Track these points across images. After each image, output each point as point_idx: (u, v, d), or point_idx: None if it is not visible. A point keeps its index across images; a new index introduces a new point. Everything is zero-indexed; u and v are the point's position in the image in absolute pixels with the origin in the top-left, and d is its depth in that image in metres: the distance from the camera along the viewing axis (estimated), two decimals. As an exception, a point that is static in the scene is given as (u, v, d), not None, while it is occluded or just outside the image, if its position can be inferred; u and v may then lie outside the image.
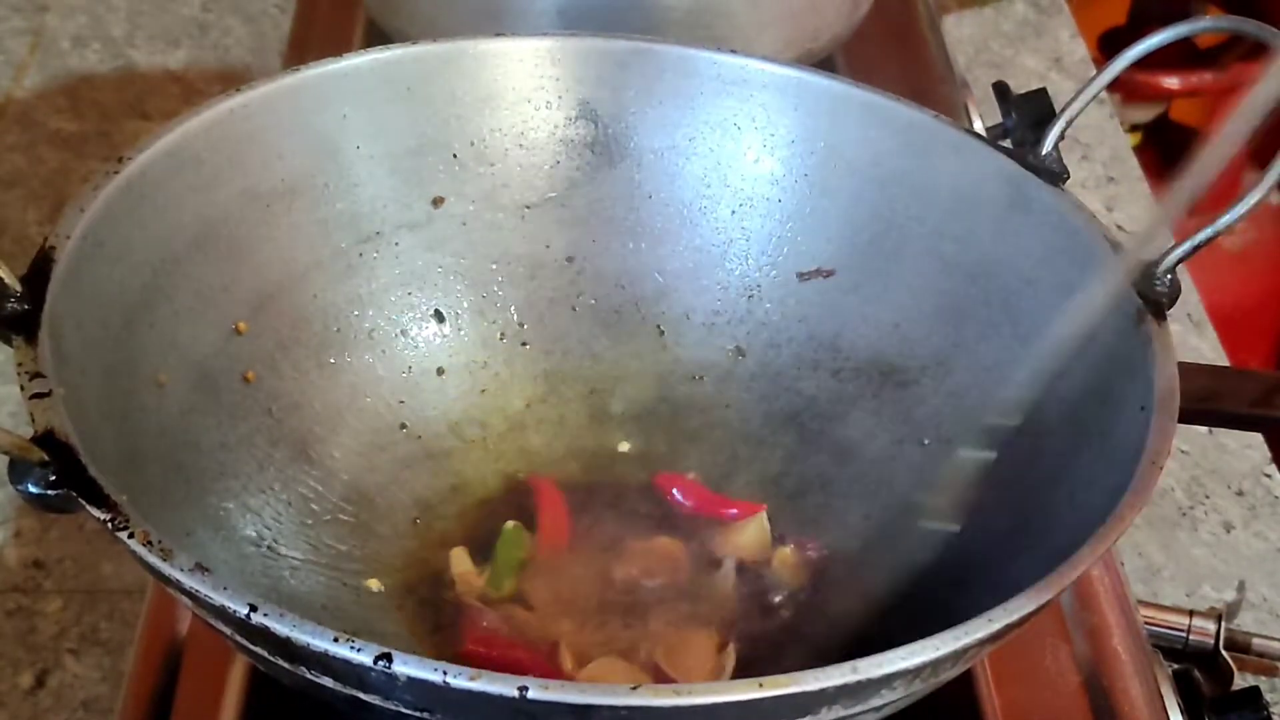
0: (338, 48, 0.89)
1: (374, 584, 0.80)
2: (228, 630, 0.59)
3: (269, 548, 0.77)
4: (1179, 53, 2.08)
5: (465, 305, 0.92)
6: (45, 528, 1.06)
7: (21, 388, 0.63)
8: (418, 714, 0.56)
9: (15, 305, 0.66)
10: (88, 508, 0.59)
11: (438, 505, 0.86)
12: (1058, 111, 0.86)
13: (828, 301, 0.90)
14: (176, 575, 0.56)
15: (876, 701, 0.58)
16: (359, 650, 0.54)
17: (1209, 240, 0.76)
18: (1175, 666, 0.86)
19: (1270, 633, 0.96)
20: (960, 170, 0.86)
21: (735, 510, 0.85)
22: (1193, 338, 1.26)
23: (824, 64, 1.15)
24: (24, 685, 0.97)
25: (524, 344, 0.93)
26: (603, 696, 0.53)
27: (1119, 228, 1.35)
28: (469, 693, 0.53)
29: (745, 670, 0.76)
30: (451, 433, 0.89)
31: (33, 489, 0.59)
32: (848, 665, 0.55)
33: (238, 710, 0.76)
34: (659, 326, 0.93)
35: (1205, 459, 1.15)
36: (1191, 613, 0.94)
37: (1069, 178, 0.84)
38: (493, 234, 0.92)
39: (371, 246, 0.89)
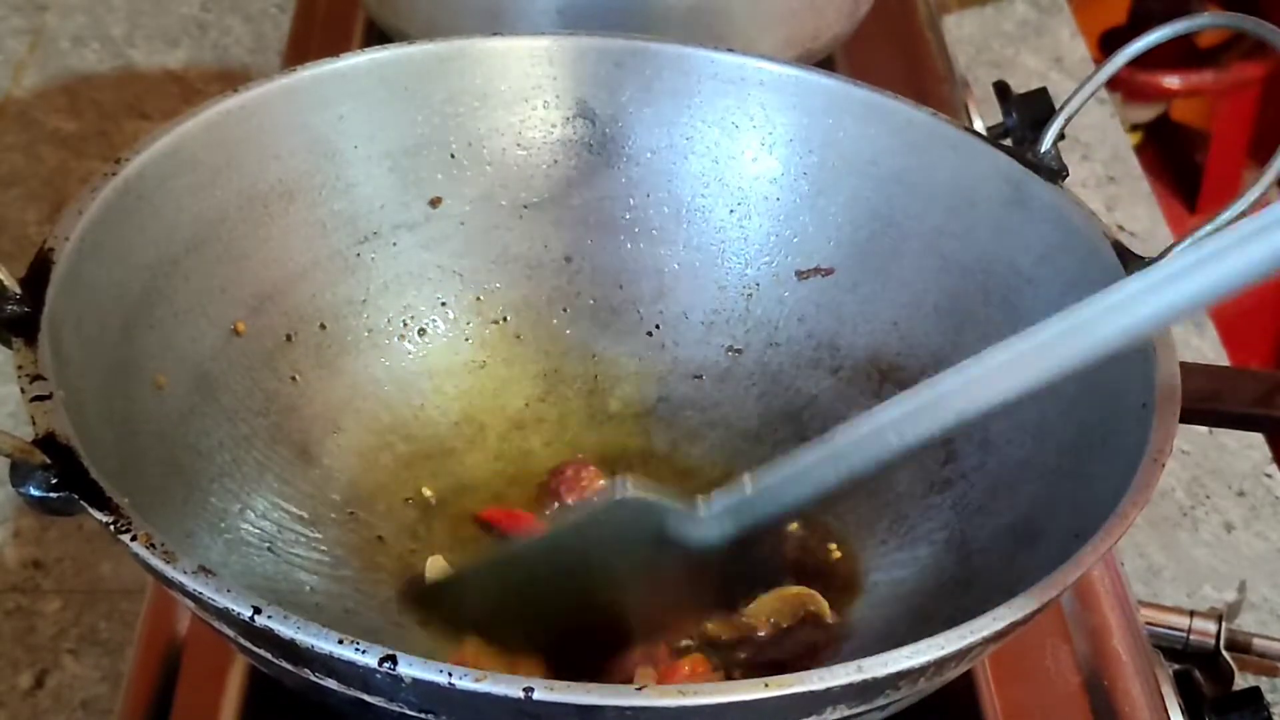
0: (337, 47, 0.89)
1: (375, 585, 0.80)
2: (231, 632, 0.59)
3: (269, 549, 0.77)
4: (1179, 52, 2.08)
5: (463, 305, 0.92)
6: (44, 528, 1.06)
7: (22, 390, 0.62)
8: (421, 715, 0.56)
9: (15, 308, 0.66)
10: (90, 510, 0.59)
11: (437, 505, 0.85)
12: (1057, 109, 0.86)
13: (827, 300, 0.90)
14: (180, 578, 0.56)
15: (881, 701, 0.58)
16: (364, 652, 0.54)
17: (1208, 237, 0.76)
18: (1176, 667, 0.86)
19: (1271, 633, 0.97)
20: (959, 168, 0.86)
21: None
22: (1193, 338, 1.26)
23: (824, 64, 1.15)
24: (23, 685, 0.97)
25: (522, 344, 0.93)
26: (607, 697, 0.53)
27: (1120, 227, 1.35)
28: (474, 694, 0.53)
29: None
30: (451, 433, 0.89)
31: (34, 492, 0.59)
32: (852, 665, 0.55)
33: (237, 711, 0.76)
34: (657, 326, 0.93)
35: (1206, 459, 1.15)
36: (1192, 613, 0.94)
37: (1068, 175, 0.84)
38: (490, 234, 0.92)
39: (369, 247, 0.89)
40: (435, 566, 0.81)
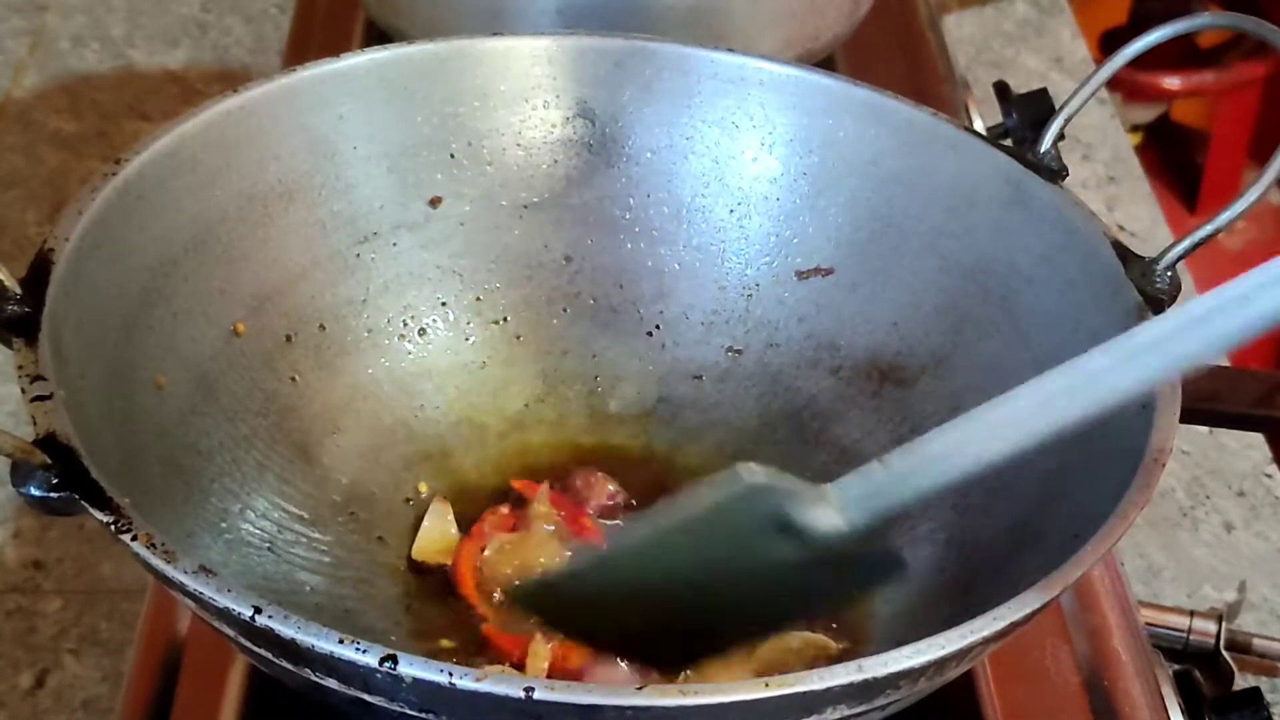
0: (337, 47, 0.89)
1: (375, 585, 0.80)
2: (231, 632, 0.59)
3: (270, 549, 0.77)
4: (1180, 53, 2.08)
5: (463, 305, 0.92)
6: (45, 528, 1.06)
7: (23, 390, 0.62)
8: (422, 715, 0.56)
9: (15, 308, 0.66)
10: (91, 511, 0.59)
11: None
12: (1057, 109, 0.86)
13: (826, 300, 0.90)
14: (180, 578, 0.56)
15: (881, 700, 0.58)
16: (364, 652, 0.54)
17: (1209, 237, 0.76)
18: (1176, 667, 0.86)
19: (1271, 633, 0.97)
20: (959, 168, 0.86)
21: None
22: (1193, 337, 1.26)
23: (824, 63, 1.15)
24: (24, 685, 0.97)
25: (522, 344, 0.93)
26: (608, 697, 0.53)
27: (1120, 227, 1.35)
28: (474, 694, 0.53)
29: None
30: (451, 433, 0.89)
31: (35, 492, 0.59)
32: (853, 664, 0.55)
33: (238, 710, 0.76)
34: (657, 326, 0.93)
35: (1206, 459, 1.15)
36: (1192, 613, 0.94)
37: (1068, 175, 0.84)
38: (490, 234, 0.92)
39: (369, 247, 0.89)
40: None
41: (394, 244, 0.90)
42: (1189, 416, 0.72)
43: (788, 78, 0.91)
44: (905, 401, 0.86)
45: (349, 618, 0.76)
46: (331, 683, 0.56)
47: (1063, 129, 0.85)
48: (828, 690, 0.55)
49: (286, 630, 0.55)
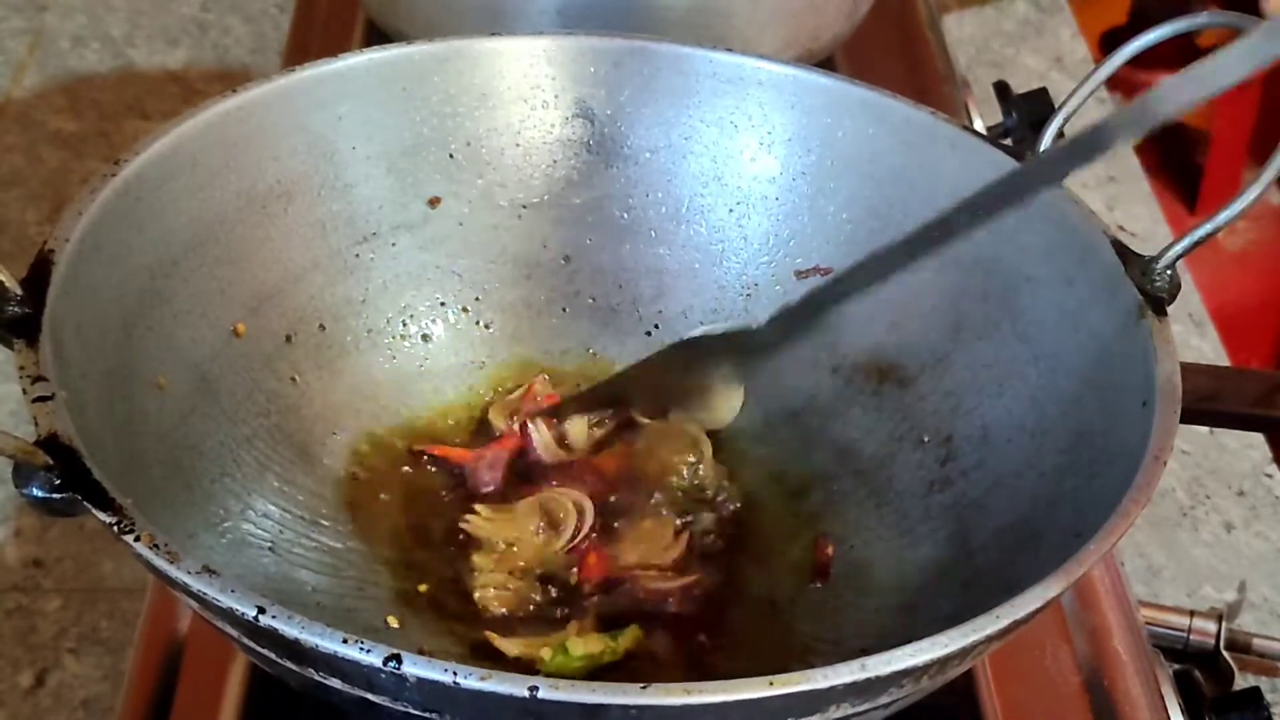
0: (337, 48, 0.89)
1: (376, 584, 0.80)
2: (234, 633, 0.59)
3: (271, 549, 0.77)
4: (1180, 53, 2.08)
5: (462, 305, 0.92)
6: (45, 527, 1.06)
7: (24, 391, 0.62)
8: (426, 714, 0.56)
9: (16, 309, 0.66)
10: (93, 512, 0.59)
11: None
12: (1056, 109, 0.86)
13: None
14: (183, 578, 0.56)
15: (884, 699, 0.58)
16: (368, 651, 0.54)
17: (1208, 236, 0.76)
18: (1176, 667, 0.87)
19: (1271, 633, 0.97)
20: (958, 167, 0.86)
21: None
22: (1194, 338, 1.26)
23: (824, 64, 1.15)
24: (24, 684, 0.97)
25: (521, 344, 0.93)
26: (613, 696, 0.53)
27: (1120, 227, 1.35)
28: (478, 693, 0.53)
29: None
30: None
31: (37, 493, 0.59)
32: (856, 663, 0.55)
33: (238, 710, 0.76)
34: (656, 325, 0.93)
35: (1206, 459, 1.15)
36: (1192, 613, 0.94)
37: (1067, 174, 0.84)
38: (489, 234, 0.92)
39: (368, 247, 0.89)
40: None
41: (393, 244, 0.90)
42: (1189, 416, 0.72)
43: (786, 77, 0.91)
44: (905, 400, 0.86)
45: (351, 617, 0.76)
46: (335, 683, 0.56)
47: (1062, 128, 0.85)
48: (831, 689, 0.55)
49: (290, 630, 0.55)
